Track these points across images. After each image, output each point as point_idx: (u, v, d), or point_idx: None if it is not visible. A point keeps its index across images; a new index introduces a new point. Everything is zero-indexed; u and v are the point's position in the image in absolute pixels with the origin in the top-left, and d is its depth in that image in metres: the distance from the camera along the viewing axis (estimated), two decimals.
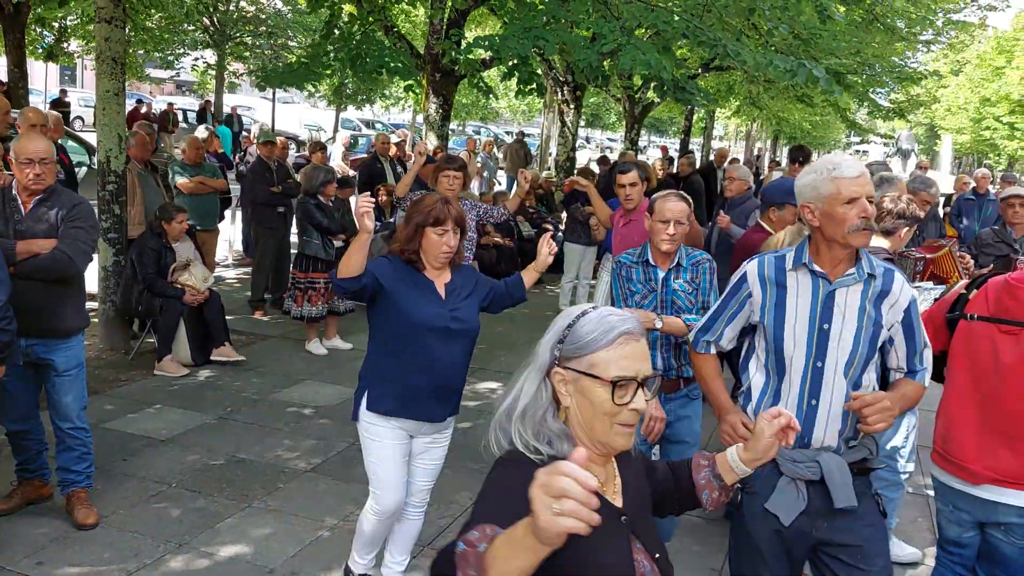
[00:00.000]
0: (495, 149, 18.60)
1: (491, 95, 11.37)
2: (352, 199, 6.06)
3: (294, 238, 7.64)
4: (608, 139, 52.04)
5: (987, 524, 2.78)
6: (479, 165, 14.69)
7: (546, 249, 3.40)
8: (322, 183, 6.92)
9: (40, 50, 18.14)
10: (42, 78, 25.23)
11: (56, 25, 17.40)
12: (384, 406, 3.12)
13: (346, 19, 10.29)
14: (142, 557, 3.67)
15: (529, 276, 3.47)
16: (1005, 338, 2.70)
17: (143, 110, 22.47)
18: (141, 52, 21.90)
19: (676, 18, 7.16)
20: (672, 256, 3.50)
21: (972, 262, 4.75)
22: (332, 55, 10.18)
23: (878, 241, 3.93)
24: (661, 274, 3.49)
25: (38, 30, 17.07)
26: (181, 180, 7.58)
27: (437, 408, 3.19)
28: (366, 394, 3.15)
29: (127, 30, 12.18)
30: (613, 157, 16.99)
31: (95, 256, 4.30)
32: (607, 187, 8.17)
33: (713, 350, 2.72)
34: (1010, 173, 16.98)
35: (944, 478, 2.87)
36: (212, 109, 24.01)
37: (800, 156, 8.01)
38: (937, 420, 2.92)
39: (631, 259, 3.58)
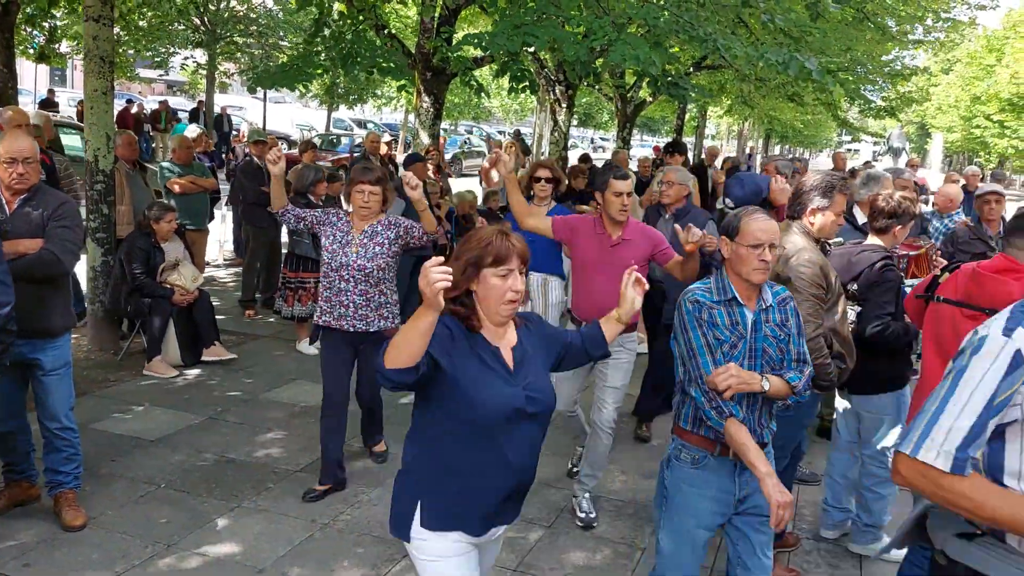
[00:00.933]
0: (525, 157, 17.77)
1: (483, 93, 11.34)
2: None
3: (285, 237, 7.61)
4: (600, 138, 52.11)
5: None
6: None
7: (632, 292, 2.62)
8: (312, 182, 6.89)
9: (32, 51, 18.04)
10: (32, 78, 25.12)
11: (47, 26, 17.30)
12: (446, 521, 2.37)
13: (336, 18, 10.25)
14: (131, 558, 3.64)
15: (611, 328, 2.70)
16: (967, 321, 2.87)
17: (133, 110, 22.39)
18: (131, 52, 21.78)
19: (667, 13, 7.16)
20: (758, 291, 2.82)
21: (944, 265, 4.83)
22: (323, 55, 10.14)
23: (873, 240, 3.94)
24: (749, 316, 2.79)
25: (28, 30, 16.98)
26: (172, 179, 7.55)
27: (514, 509, 2.49)
28: (418, 508, 2.37)
29: (117, 29, 12.11)
30: (604, 156, 16.89)
31: (83, 256, 4.27)
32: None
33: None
34: (1000, 171, 17.07)
35: None
36: (204, 109, 23.91)
37: (675, 149, 8.14)
38: (912, 401, 2.97)
39: (710, 297, 2.81)
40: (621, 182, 4.21)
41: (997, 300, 2.76)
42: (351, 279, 4.28)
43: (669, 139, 28.22)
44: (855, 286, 3.81)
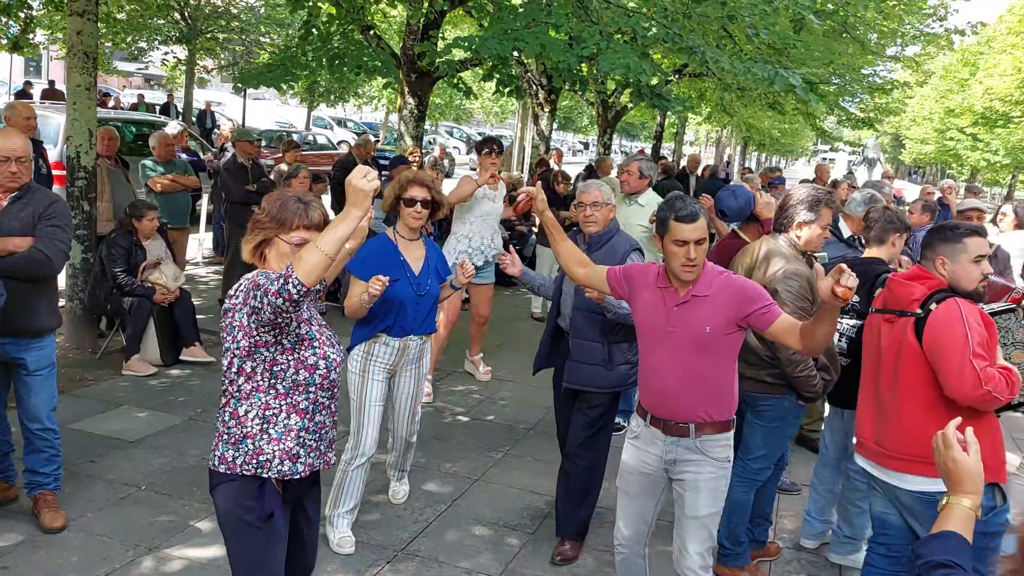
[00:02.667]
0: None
1: (470, 95, 11.36)
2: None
3: None
4: (580, 143, 52.34)
5: (898, 507, 3.04)
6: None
7: None
8: (288, 177, 6.89)
9: (5, 41, 17.78)
10: (7, 69, 24.77)
11: (22, 15, 17.07)
12: None
13: (325, 19, 10.20)
14: (111, 561, 3.61)
15: (960, 519, 1.78)
16: (885, 325, 3.15)
17: (110, 104, 22.12)
18: (108, 44, 21.54)
19: (655, 22, 7.21)
20: None
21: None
22: (311, 55, 10.09)
23: (873, 252, 3.99)
24: None
25: (3, 20, 16.74)
26: (153, 178, 7.47)
27: None
28: None
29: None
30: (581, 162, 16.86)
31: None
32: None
33: None
34: (974, 184, 17.39)
35: (857, 460, 3.28)
36: (174, 102, 23.68)
37: (489, 147, 6.16)
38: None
39: None
40: (686, 226, 2.82)
41: (903, 302, 3.07)
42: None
43: (649, 145, 28.36)
44: (856, 299, 3.84)
